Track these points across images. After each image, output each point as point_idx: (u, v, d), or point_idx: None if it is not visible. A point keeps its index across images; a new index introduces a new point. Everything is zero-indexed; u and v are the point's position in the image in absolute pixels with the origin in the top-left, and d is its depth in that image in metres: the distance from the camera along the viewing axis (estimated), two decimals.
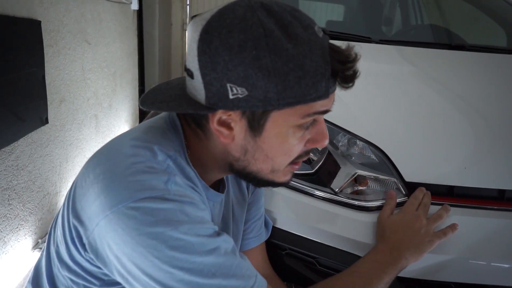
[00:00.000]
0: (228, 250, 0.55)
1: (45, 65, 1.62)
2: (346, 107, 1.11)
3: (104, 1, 2.36)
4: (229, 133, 0.54)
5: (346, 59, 0.51)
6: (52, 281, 0.61)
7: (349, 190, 1.01)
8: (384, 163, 0.99)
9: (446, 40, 1.77)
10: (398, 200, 0.97)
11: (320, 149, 1.10)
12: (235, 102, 0.50)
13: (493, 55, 1.53)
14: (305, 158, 0.61)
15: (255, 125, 0.53)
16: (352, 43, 0.52)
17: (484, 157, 0.99)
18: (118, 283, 0.55)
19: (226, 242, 0.55)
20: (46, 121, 1.67)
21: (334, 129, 1.07)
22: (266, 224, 0.90)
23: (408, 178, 0.95)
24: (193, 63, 0.51)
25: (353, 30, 1.92)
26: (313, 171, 1.08)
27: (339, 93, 1.01)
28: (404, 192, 0.95)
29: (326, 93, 0.51)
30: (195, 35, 0.50)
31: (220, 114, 0.53)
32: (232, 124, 0.54)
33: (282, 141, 0.54)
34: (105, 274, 0.56)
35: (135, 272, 0.51)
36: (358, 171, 0.98)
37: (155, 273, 0.50)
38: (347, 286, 0.72)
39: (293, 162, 0.59)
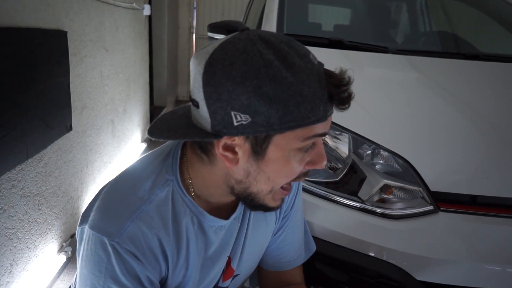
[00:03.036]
0: None
1: (70, 73, 1.67)
2: (370, 117, 1.16)
3: (120, 8, 2.40)
4: (234, 157, 0.58)
5: (340, 82, 0.54)
6: None
7: (375, 198, 1.05)
8: (410, 172, 1.03)
9: (462, 50, 1.81)
10: (422, 209, 1.02)
11: (343, 157, 1.16)
12: (240, 129, 0.53)
13: None
14: (301, 179, 0.64)
15: (258, 149, 0.56)
16: (345, 68, 0.56)
17: (507, 167, 1.03)
18: None
19: None
20: (70, 128, 1.72)
21: (359, 139, 1.12)
22: (307, 246, 0.89)
23: (433, 187, 1.00)
24: (198, 94, 0.55)
25: (361, 34, 1.95)
26: (338, 179, 1.13)
27: (363, 103, 1.02)
28: (429, 202, 1.00)
29: (325, 116, 0.54)
30: (199, 68, 0.54)
31: (225, 140, 0.56)
32: (236, 149, 0.57)
33: (284, 164, 0.58)
34: None
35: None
36: (385, 181, 1.03)
37: None
38: None
39: (286, 184, 0.63)
